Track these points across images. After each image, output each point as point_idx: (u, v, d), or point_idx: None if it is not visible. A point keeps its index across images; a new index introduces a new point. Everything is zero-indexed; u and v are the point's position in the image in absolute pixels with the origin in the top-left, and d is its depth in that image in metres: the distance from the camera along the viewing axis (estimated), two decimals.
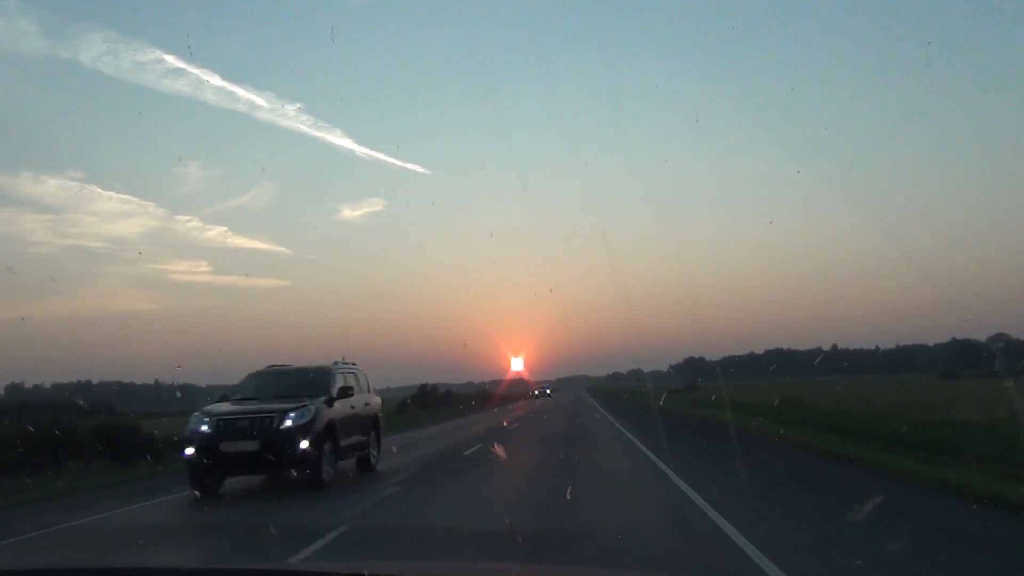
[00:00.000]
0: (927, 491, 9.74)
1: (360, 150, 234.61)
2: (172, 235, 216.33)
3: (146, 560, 6.90)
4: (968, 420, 16.87)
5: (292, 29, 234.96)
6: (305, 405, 10.96)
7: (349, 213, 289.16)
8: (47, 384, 74.64)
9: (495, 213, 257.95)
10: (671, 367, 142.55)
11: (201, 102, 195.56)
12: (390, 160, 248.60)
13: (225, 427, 10.71)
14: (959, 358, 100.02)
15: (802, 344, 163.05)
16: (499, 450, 16.57)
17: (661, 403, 42.04)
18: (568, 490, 9.91)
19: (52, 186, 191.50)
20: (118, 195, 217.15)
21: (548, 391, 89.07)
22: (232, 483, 11.80)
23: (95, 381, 75.43)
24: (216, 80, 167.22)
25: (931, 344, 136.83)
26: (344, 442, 11.92)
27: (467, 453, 16.75)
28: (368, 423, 13.43)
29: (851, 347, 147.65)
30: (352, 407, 12.51)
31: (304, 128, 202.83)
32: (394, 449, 17.93)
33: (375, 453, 13.74)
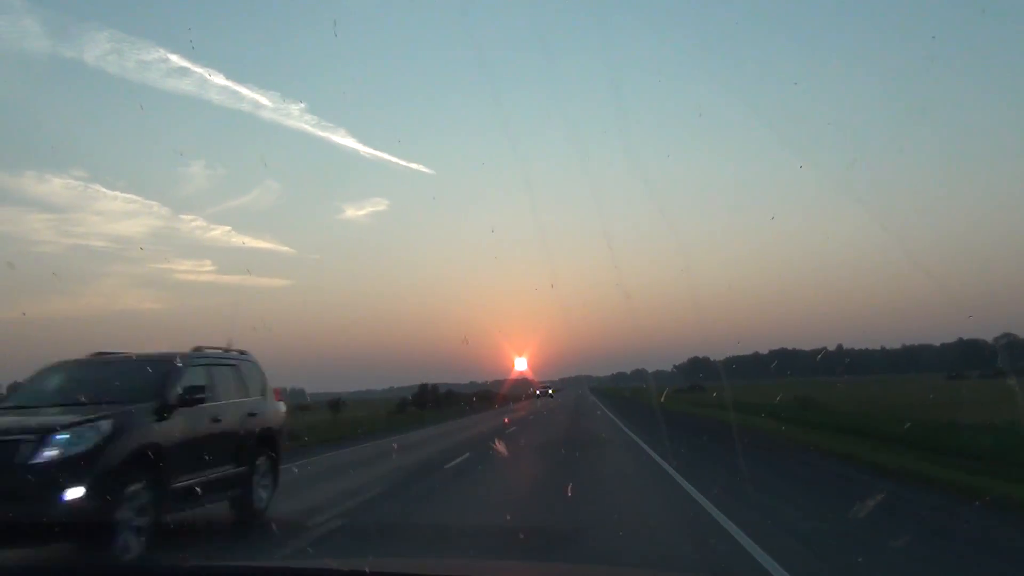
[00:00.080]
0: None
1: (364, 150, 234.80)
2: (176, 234, 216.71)
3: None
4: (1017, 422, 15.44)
5: (297, 29, 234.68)
6: (89, 421, 6.55)
7: (353, 212, 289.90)
8: None
9: (498, 212, 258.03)
10: (675, 367, 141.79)
11: (205, 101, 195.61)
12: (394, 160, 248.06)
13: None
14: (965, 358, 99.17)
15: (807, 344, 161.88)
16: (498, 448, 15.07)
17: (662, 399, 41.90)
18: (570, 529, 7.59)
19: (56, 185, 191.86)
20: (122, 194, 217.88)
21: (550, 391, 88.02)
22: None
23: None
24: (220, 79, 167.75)
25: (937, 344, 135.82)
26: (185, 480, 7.46)
27: (449, 466, 13.91)
28: (249, 445, 8.86)
29: (856, 347, 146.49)
30: (215, 420, 8.14)
31: (308, 128, 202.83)
32: (338, 462, 16.57)
33: (263, 490, 9.11)
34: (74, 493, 6.14)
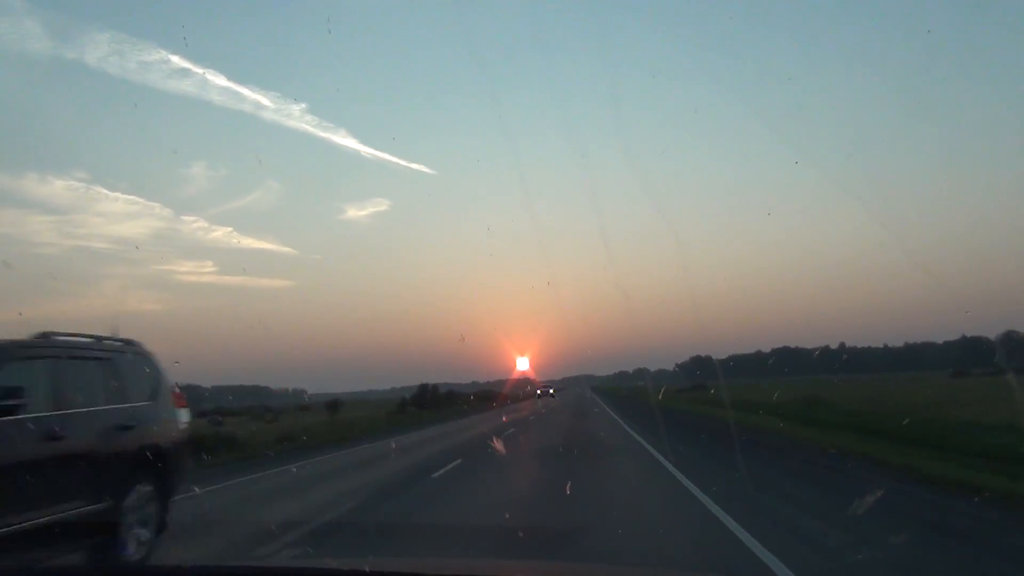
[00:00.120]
0: None
1: (365, 150, 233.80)
2: (178, 236, 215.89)
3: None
4: None
5: (297, 30, 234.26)
6: None
7: (354, 213, 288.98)
8: None
9: (499, 211, 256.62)
10: (677, 366, 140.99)
11: (206, 102, 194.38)
12: (395, 160, 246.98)
13: None
14: (969, 356, 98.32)
15: (809, 342, 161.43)
16: (495, 447, 14.23)
17: (659, 397, 43.54)
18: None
19: (58, 187, 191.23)
20: (124, 196, 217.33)
21: (551, 391, 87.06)
22: None
23: None
24: (221, 80, 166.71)
25: (940, 342, 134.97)
26: None
27: (436, 475, 12.53)
28: (118, 470, 6.36)
29: (858, 344, 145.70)
30: (51, 437, 5.59)
31: (309, 128, 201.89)
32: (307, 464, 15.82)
33: (141, 530, 6.53)
34: None
